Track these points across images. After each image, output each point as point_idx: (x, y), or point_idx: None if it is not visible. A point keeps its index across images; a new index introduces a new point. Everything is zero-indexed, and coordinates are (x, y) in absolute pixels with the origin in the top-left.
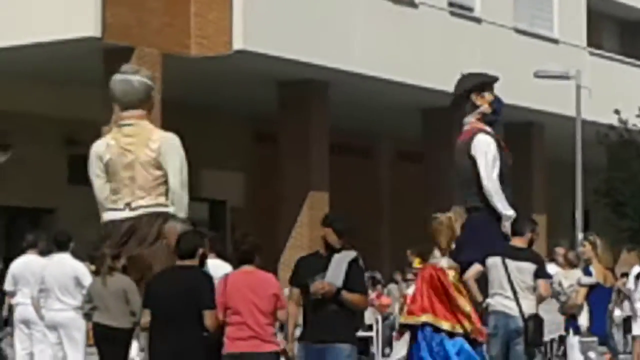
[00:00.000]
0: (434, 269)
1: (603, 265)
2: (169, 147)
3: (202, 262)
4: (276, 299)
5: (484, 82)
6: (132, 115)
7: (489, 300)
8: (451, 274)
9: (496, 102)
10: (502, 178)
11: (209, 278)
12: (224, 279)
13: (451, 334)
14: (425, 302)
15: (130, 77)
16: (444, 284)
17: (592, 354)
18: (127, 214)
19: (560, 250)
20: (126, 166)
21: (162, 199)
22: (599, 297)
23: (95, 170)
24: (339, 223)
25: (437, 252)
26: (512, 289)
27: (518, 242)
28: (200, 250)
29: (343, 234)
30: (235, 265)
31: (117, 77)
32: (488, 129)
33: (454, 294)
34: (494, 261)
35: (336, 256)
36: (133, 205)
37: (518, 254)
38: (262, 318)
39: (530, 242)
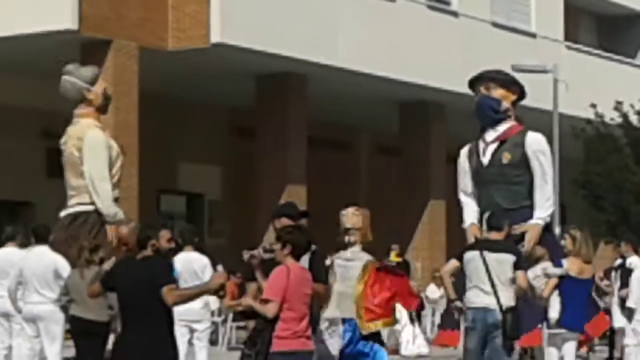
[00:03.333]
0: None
1: (582, 259)
2: (89, 146)
3: (158, 252)
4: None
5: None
6: (78, 113)
7: (467, 293)
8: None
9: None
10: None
11: (164, 261)
12: (285, 270)
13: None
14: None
15: (64, 78)
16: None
17: (569, 346)
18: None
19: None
20: (65, 163)
21: (86, 197)
22: (573, 289)
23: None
24: (290, 208)
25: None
26: (490, 282)
27: (495, 235)
28: (152, 242)
29: (297, 218)
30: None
31: (63, 77)
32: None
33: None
34: (471, 255)
35: None
36: (68, 202)
37: (495, 247)
38: (307, 316)
39: (507, 236)
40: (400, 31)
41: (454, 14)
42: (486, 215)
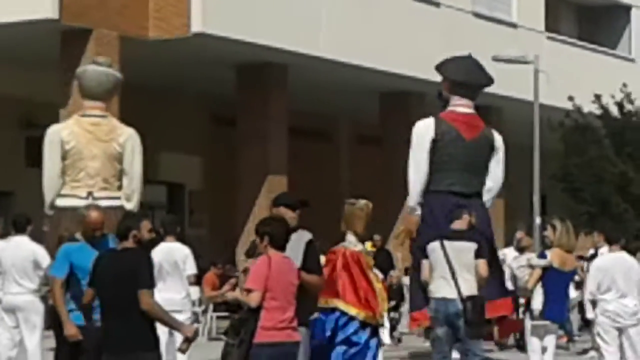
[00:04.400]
0: (352, 253)
1: (563, 249)
2: (135, 144)
3: (139, 243)
4: (296, 290)
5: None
6: (98, 106)
7: (431, 284)
8: (367, 259)
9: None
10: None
11: (146, 257)
12: (266, 259)
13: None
14: (339, 287)
15: (106, 70)
16: (362, 268)
17: (550, 339)
18: (89, 202)
19: (519, 235)
20: (93, 156)
21: (119, 192)
22: (555, 280)
23: (52, 155)
24: (289, 198)
25: (351, 237)
26: (450, 270)
27: (458, 225)
28: (133, 232)
29: (296, 208)
30: (263, 249)
31: (90, 67)
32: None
33: (371, 277)
34: (433, 245)
35: (293, 237)
36: (95, 194)
37: (455, 235)
38: (292, 306)
39: (471, 225)
40: (381, 21)
41: (436, 4)
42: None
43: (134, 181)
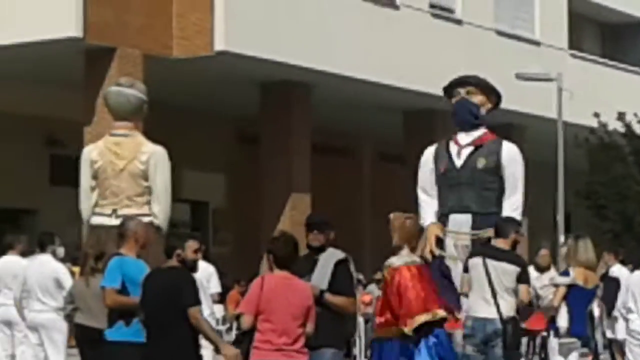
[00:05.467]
0: (418, 267)
1: (584, 266)
2: (158, 160)
3: (183, 262)
4: (309, 311)
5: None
6: (125, 126)
7: (469, 300)
8: (408, 272)
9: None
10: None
11: (189, 276)
12: (259, 281)
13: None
14: (429, 300)
15: (126, 91)
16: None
17: (573, 356)
18: (113, 221)
19: (543, 252)
20: (116, 175)
21: (146, 209)
22: (579, 298)
23: (84, 174)
24: (316, 217)
25: (406, 251)
26: (491, 290)
27: (501, 243)
28: (177, 251)
29: (323, 229)
30: (269, 268)
31: (113, 89)
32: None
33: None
34: (475, 262)
35: (322, 256)
36: (119, 212)
37: (500, 255)
38: (295, 328)
39: (514, 244)
40: (404, 39)
41: (458, 21)
42: (461, 217)
43: (159, 198)
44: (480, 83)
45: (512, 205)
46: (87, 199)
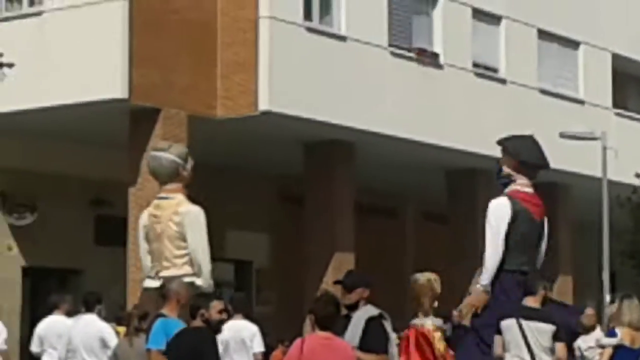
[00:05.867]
0: (417, 331)
1: (632, 327)
2: (192, 220)
3: (207, 323)
4: None
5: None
6: (167, 189)
7: None
8: (437, 335)
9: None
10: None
11: (211, 337)
12: (299, 343)
13: None
14: None
15: (160, 154)
16: (430, 345)
17: None
18: (156, 283)
19: (589, 311)
20: (156, 237)
21: (187, 269)
22: (626, 358)
23: (140, 239)
24: (344, 277)
25: (420, 314)
26: (529, 350)
27: (531, 301)
28: (201, 311)
29: (349, 289)
30: (312, 328)
31: (151, 153)
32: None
33: (439, 355)
34: (508, 323)
35: (356, 314)
36: (160, 274)
37: (533, 314)
38: None
39: (544, 301)
40: (447, 98)
41: (502, 80)
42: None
43: (197, 257)
44: (501, 143)
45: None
46: (145, 262)
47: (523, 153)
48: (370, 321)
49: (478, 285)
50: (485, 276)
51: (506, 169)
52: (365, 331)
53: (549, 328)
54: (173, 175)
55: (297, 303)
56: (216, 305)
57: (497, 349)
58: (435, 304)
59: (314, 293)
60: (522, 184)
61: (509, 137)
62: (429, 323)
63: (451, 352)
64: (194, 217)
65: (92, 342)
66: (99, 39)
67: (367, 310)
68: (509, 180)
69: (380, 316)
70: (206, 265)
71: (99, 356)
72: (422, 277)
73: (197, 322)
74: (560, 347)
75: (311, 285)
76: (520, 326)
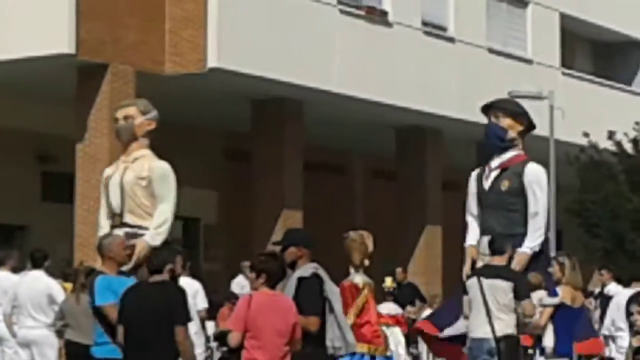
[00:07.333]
0: (350, 286)
1: (572, 286)
2: (159, 175)
3: (172, 278)
4: (294, 328)
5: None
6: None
7: (469, 320)
8: (364, 291)
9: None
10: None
11: (182, 293)
12: (247, 299)
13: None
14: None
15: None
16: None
17: None
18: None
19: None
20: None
21: (146, 222)
22: (565, 317)
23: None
24: (283, 235)
25: (351, 269)
26: (485, 308)
27: (497, 260)
28: (169, 266)
29: (283, 248)
30: (254, 286)
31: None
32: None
33: (371, 309)
34: (470, 282)
35: (293, 275)
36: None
37: (492, 272)
38: (282, 345)
39: (510, 260)
40: (396, 56)
41: (451, 39)
42: (485, 239)
43: (162, 210)
44: (507, 107)
45: (534, 226)
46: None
47: (530, 119)
48: (301, 281)
49: (526, 249)
50: (540, 240)
51: (512, 134)
52: (296, 291)
53: (505, 284)
54: (133, 135)
55: (244, 260)
56: (180, 259)
57: (465, 309)
58: (366, 262)
59: (261, 250)
60: (522, 149)
61: (511, 101)
62: (357, 279)
63: (385, 312)
64: (162, 172)
65: (39, 299)
66: None
67: (303, 270)
68: (510, 145)
69: (315, 276)
70: (168, 220)
71: (46, 312)
72: (354, 233)
73: (164, 277)
74: (526, 304)
75: (259, 242)
76: (480, 284)
